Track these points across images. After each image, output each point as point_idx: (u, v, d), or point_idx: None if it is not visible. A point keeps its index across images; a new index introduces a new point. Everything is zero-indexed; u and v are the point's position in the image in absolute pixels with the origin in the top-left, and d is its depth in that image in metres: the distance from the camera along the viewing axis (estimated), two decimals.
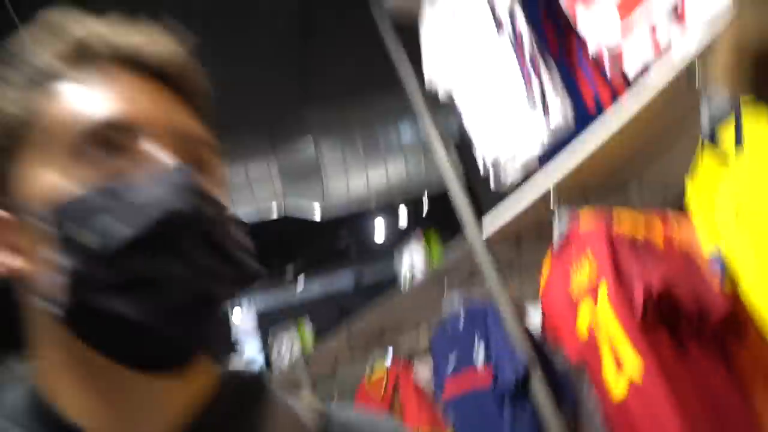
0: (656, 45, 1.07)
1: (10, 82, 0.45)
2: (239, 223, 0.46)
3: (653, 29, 1.08)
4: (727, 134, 0.90)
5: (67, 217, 0.40)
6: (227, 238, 0.43)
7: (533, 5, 1.38)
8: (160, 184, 0.41)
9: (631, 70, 1.14)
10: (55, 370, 0.43)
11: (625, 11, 1.13)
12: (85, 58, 0.45)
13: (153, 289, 0.40)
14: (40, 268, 0.41)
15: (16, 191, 0.43)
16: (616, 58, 1.16)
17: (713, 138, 0.93)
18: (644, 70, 1.11)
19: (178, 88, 0.47)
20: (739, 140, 0.88)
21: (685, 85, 0.99)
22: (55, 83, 0.45)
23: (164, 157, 0.43)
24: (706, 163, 0.94)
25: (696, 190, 0.97)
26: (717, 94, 0.92)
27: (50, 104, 0.44)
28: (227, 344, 0.44)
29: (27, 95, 0.44)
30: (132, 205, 0.40)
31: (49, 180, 0.42)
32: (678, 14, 1.03)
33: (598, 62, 1.25)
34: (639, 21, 1.10)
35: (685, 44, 1.00)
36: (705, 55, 0.93)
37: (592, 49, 1.22)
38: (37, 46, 0.46)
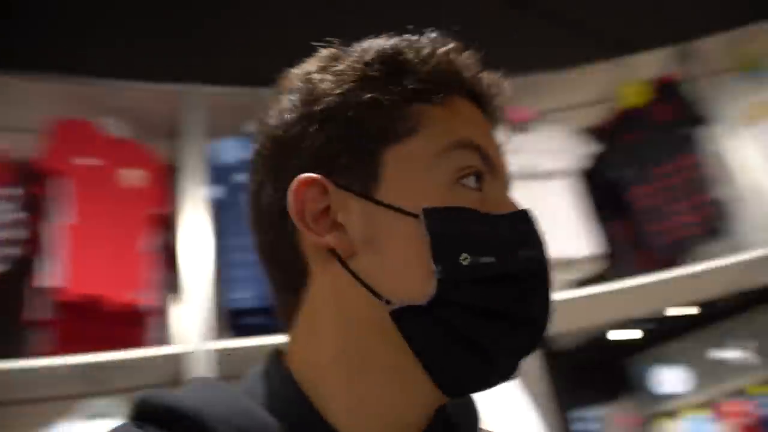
0: None
1: (401, 85, 0.45)
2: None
3: None
4: None
5: (441, 223, 0.41)
6: (552, 283, 0.44)
7: None
8: (520, 227, 0.43)
9: None
10: (329, 362, 0.43)
11: None
12: (443, 85, 0.46)
13: (506, 325, 0.41)
14: (393, 260, 0.42)
15: (381, 185, 0.43)
16: None
17: None
18: None
19: (493, 114, 0.49)
20: None
21: None
22: (434, 100, 0.45)
23: (510, 197, 0.45)
24: None
25: None
26: None
27: (431, 116, 0.45)
28: None
29: (410, 103, 0.45)
30: (500, 240, 0.42)
31: (424, 185, 0.43)
32: None
33: None
34: None
35: None
36: None
37: None
38: (423, 60, 0.46)
